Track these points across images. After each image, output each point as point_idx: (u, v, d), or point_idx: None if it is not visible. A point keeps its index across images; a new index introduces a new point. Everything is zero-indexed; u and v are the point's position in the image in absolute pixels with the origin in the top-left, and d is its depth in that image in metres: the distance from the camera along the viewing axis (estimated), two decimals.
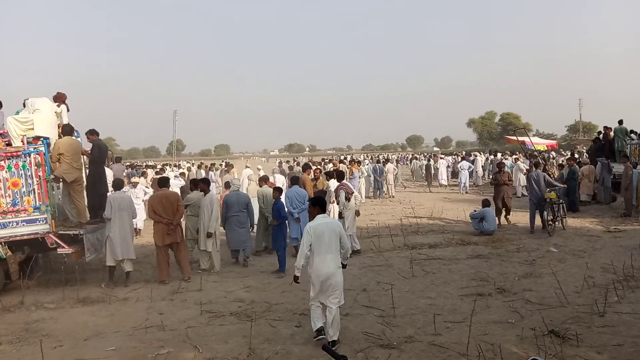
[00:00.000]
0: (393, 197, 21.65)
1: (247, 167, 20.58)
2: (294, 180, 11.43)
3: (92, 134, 9.42)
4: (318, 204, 6.04)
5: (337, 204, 10.46)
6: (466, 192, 22.54)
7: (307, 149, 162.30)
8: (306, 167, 12.82)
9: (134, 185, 14.35)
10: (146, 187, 16.12)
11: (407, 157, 57.35)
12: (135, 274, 9.17)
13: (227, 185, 13.10)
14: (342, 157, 41.79)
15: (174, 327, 6.55)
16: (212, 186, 19.49)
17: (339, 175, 10.94)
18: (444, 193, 23.18)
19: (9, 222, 8.16)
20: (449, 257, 9.90)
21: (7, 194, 8.16)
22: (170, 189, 9.87)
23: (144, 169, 23.60)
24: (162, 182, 9.46)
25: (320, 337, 5.68)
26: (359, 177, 19.52)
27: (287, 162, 33.65)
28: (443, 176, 25.55)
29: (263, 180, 11.21)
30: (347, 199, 10.20)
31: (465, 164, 23.79)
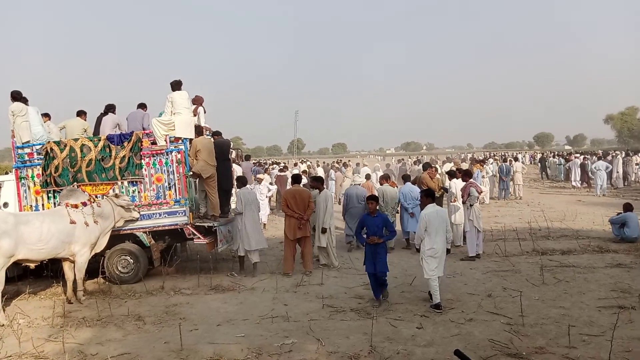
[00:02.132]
0: (520, 198, 20.42)
1: (364, 165, 20.80)
2: (406, 178, 11.71)
3: (216, 134, 10.19)
4: (430, 195, 7.59)
5: (464, 202, 10.12)
6: (603, 195, 20.56)
7: (424, 147, 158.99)
8: (427, 166, 12.61)
9: (259, 181, 15.08)
10: (270, 183, 16.92)
11: (535, 156, 53.84)
12: (260, 266, 9.66)
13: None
14: (462, 156, 40.41)
15: (298, 318, 6.78)
16: (332, 184, 20.16)
17: (467, 174, 10.57)
18: (578, 195, 21.38)
19: (153, 214, 9.03)
20: (585, 265, 9.10)
21: (152, 188, 9.03)
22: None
23: (267, 167, 24.83)
24: (296, 179, 9.84)
25: (440, 311, 6.91)
26: (482, 177, 18.70)
27: (402, 159, 33.28)
28: (577, 177, 23.68)
29: (384, 178, 11.19)
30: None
31: (601, 163, 21.68)
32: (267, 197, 15.50)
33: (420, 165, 18.45)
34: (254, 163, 23.09)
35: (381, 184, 11.05)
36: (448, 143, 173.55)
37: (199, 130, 9.43)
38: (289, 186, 16.62)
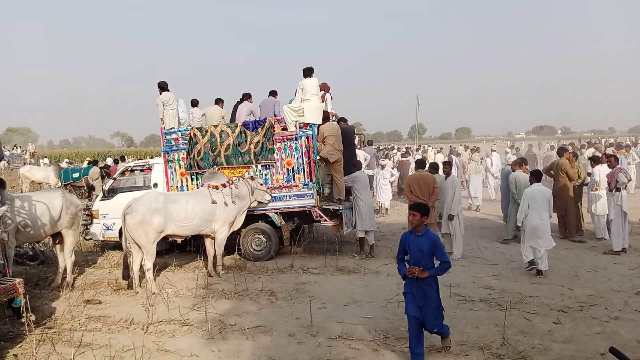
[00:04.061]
0: None
1: (492, 150, 19.80)
2: (523, 161, 11.27)
3: (341, 120, 10.39)
4: (534, 175, 8.35)
5: (610, 190, 9.26)
6: None
7: (559, 132, 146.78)
8: (562, 151, 11.62)
9: (382, 167, 15.09)
10: (392, 168, 16.84)
11: None
12: (385, 250, 9.72)
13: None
14: (602, 140, 36.80)
15: None
16: (454, 170, 19.49)
17: (615, 159, 9.65)
18: None
19: (284, 196, 9.47)
20: None
21: (282, 172, 9.47)
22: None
23: (388, 152, 24.71)
24: (420, 164, 9.73)
25: (532, 266, 8.03)
26: (628, 164, 16.85)
27: (530, 145, 30.99)
28: None
29: (517, 164, 10.56)
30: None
31: None
32: (389, 182, 15.47)
33: (555, 150, 17.17)
34: (376, 148, 23.12)
35: (513, 170, 10.44)
36: (586, 127, 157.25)
37: (325, 116, 9.68)
38: (411, 171, 16.43)
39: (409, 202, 9.34)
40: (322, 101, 9.99)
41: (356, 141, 13.96)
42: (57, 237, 8.24)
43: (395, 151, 27.05)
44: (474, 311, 6.43)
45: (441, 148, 32.51)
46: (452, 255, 9.27)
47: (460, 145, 34.89)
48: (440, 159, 21.24)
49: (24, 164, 26.47)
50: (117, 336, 6.07)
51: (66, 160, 32.48)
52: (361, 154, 14.35)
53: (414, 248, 5.04)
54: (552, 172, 11.26)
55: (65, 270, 8.30)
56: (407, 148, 28.59)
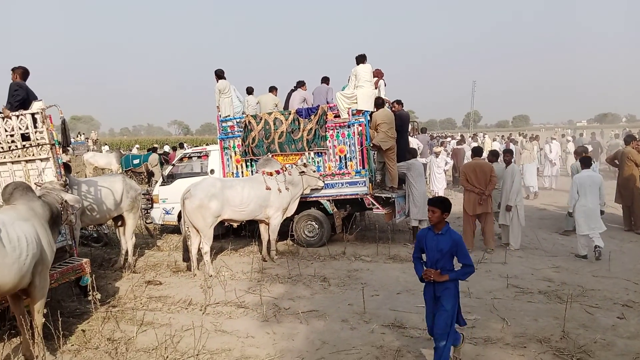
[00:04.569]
0: None
1: (552, 138, 19.07)
2: (584, 150, 10.70)
3: (398, 103, 10.24)
4: (583, 162, 8.51)
5: None
6: None
7: (624, 119, 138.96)
8: (630, 139, 10.99)
9: (436, 155, 14.83)
10: (447, 156, 16.51)
11: None
12: None
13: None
14: None
15: (480, 295, 6.59)
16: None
17: None
18: None
19: (336, 183, 9.48)
20: None
21: (335, 159, 9.48)
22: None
23: (443, 139, 24.28)
24: (477, 152, 9.48)
25: (583, 257, 8.20)
26: None
27: (572, 135, 29.51)
28: None
29: (578, 153, 10.12)
30: None
31: None
32: (444, 170, 15.19)
33: (621, 139, 16.29)
34: (430, 136, 22.74)
35: (576, 159, 10.01)
36: None
37: (380, 103, 9.58)
38: (466, 159, 16.06)
39: (464, 191, 9.16)
40: (376, 88, 9.89)
41: (409, 129, 13.78)
42: (119, 220, 8.62)
43: (449, 139, 26.55)
44: (533, 303, 6.25)
45: (502, 136, 31.48)
46: (509, 246, 9.02)
47: (519, 134, 33.62)
48: (497, 146, 20.64)
49: (87, 151, 27.80)
50: (177, 316, 6.31)
51: (137, 146, 34.27)
52: (414, 142, 14.14)
53: (432, 248, 4.50)
54: (616, 161, 10.72)
55: (127, 252, 8.68)
56: (461, 136, 27.89)
